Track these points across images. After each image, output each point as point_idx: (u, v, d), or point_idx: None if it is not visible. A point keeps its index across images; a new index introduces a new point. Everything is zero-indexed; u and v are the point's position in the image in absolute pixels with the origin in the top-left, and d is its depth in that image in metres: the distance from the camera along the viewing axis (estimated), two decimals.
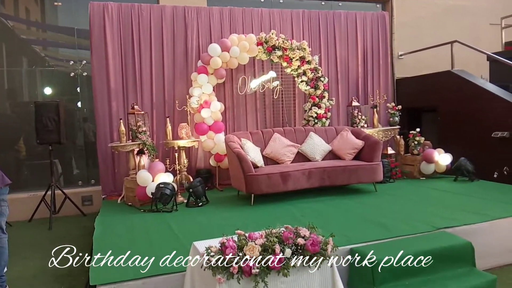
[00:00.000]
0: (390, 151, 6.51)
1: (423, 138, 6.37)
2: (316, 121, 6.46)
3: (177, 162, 5.39)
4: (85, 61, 6.64)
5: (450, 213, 4.13)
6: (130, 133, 5.58)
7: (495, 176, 6.06)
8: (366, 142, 5.59)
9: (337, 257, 2.45)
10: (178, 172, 5.44)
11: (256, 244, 2.23)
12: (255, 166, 5.12)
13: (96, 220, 4.49)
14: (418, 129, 6.47)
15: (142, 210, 4.89)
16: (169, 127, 5.69)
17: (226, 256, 2.17)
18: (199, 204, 5.00)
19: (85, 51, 6.50)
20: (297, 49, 6.24)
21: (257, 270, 2.16)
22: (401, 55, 8.73)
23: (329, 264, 2.38)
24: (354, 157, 5.61)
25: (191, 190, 5.01)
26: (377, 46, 7.46)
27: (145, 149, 5.39)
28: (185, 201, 5.10)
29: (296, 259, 2.27)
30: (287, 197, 5.14)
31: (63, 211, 6.04)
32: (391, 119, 6.81)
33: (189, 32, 6.26)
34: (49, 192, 5.88)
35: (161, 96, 6.18)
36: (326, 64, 7.07)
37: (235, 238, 2.35)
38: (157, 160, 5.43)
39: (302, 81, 6.46)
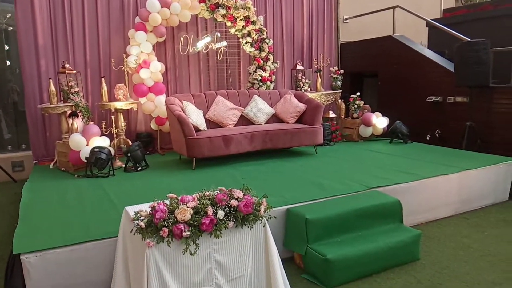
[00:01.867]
0: (332, 114, 6.63)
1: (362, 102, 6.54)
2: (260, 84, 6.39)
3: (113, 125, 5.13)
4: (10, 14, 6.03)
5: (383, 173, 4.31)
6: (62, 94, 5.21)
7: (427, 138, 6.41)
8: (308, 105, 5.63)
9: (270, 217, 2.46)
10: (115, 135, 5.20)
11: (188, 207, 2.18)
12: (197, 130, 5.01)
13: (25, 186, 4.21)
14: (358, 93, 6.61)
15: (76, 176, 4.65)
16: (105, 88, 5.37)
17: (156, 220, 2.10)
18: (138, 169, 4.83)
19: (10, 4, 5.87)
20: (242, 8, 6.03)
21: (188, 233, 2.12)
22: (346, 19, 8.79)
23: (261, 224, 2.38)
24: (297, 120, 5.65)
25: (129, 154, 4.81)
26: (322, 9, 7.42)
27: (78, 111, 5.07)
28: (124, 165, 4.91)
29: (228, 220, 2.24)
30: (229, 160, 5.10)
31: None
32: (334, 83, 6.90)
33: None
34: None
35: (96, 54, 5.78)
36: (271, 26, 6.94)
37: (168, 202, 2.28)
38: (92, 123, 5.15)
39: (246, 43, 6.31)
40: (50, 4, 5.47)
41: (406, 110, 6.75)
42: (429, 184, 4.12)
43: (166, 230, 2.08)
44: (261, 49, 6.34)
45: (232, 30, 6.24)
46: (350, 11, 8.81)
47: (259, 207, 2.34)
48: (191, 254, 2.12)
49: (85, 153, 4.63)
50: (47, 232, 2.92)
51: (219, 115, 5.33)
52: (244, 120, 5.54)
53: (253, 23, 6.19)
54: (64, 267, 2.65)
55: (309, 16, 7.29)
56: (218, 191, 2.40)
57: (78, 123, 5.07)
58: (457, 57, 5.54)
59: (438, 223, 4.12)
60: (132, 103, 5.47)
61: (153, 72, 5.65)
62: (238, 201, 2.30)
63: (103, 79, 5.41)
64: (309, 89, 6.60)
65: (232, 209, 2.27)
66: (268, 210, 2.46)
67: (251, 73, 6.47)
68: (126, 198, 3.69)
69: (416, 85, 6.74)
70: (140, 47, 5.62)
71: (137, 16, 5.70)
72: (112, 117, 5.16)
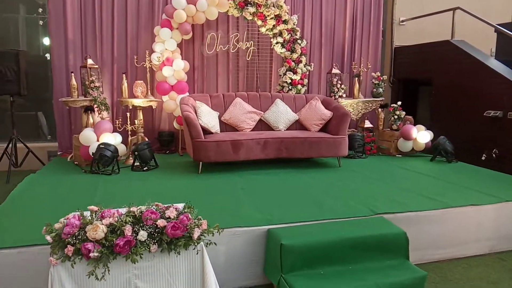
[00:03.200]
0: (368, 124, 6.01)
1: (404, 113, 5.84)
2: (290, 87, 5.97)
3: (128, 122, 5.04)
4: (41, 9, 6.25)
5: (404, 197, 3.71)
6: (83, 88, 5.24)
7: (483, 158, 5.56)
8: (334, 113, 5.11)
9: (209, 243, 2.10)
10: (130, 133, 5.11)
11: (102, 223, 1.89)
12: (209, 132, 4.75)
13: (27, 177, 4.24)
14: (399, 103, 5.92)
15: (83, 171, 4.62)
16: (125, 84, 5.32)
17: (64, 235, 1.84)
18: (144, 169, 4.68)
19: None
20: (273, 6, 5.66)
21: (96, 254, 1.83)
22: (402, 21, 8.03)
23: (195, 251, 2.03)
24: (321, 128, 5.16)
25: (136, 153, 4.68)
26: (369, 9, 6.79)
27: (95, 106, 5.05)
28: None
29: (152, 242, 1.92)
30: (240, 167, 4.77)
31: (29, 165, 5.82)
32: (375, 90, 6.27)
33: None
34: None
35: (123, 49, 5.76)
36: (308, 26, 6.48)
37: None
38: (108, 118, 5.11)
39: (277, 43, 5.92)
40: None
41: (460, 124, 5.94)
42: (455, 215, 3.46)
43: (71, 248, 1.81)
44: (292, 50, 5.91)
45: (263, 29, 5.89)
46: (408, 12, 8.03)
47: (193, 230, 1.98)
48: (97, 279, 1.83)
49: (93, 148, 4.58)
50: (8, 230, 2.81)
51: (236, 118, 5.01)
52: (264, 125, 5.17)
53: (285, 22, 5.79)
54: (8, 270, 2.51)
55: (352, 17, 6.70)
56: (154, 207, 2.08)
57: (95, 118, 5.06)
58: None
59: (465, 262, 3.44)
60: (151, 101, 5.36)
61: (175, 70, 5.50)
62: (167, 222, 1.96)
63: (124, 75, 5.36)
64: (344, 95, 6.04)
65: (157, 230, 1.94)
66: (208, 234, 2.10)
67: (281, 75, 6.07)
68: (110, 199, 3.51)
69: (473, 96, 5.89)
70: (165, 45, 5.50)
71: (164, 13, 5.59)
72: (128, 114, 5.08)
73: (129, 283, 1.95)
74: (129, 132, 5.10)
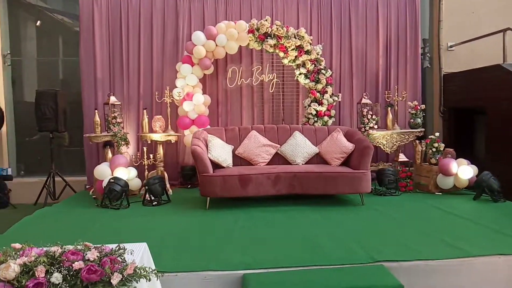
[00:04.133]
0: (402, 158, 5.46)
1: (443, 145, 5.22)
2: (316, 119, 5.67)
3: (145, 157, 5.05)
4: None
5: (420, 241, 3.20)
6: (106, 124, 5.40)
7: None
8: (356, 146, 4.70)
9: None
10: (146, 167, 5.11)
11: (15, 263, 1.76)
12: (220, 166, 4.59)
13: (37, 211, 4.35)
14: (437, 134, 5.34)
15: (96, 205, 4.65)
16: (146, 120, 5.40)
17: None
18: (154, 203, 4.60)
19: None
20: (294, 37, 5.50)
21: None
22: (451, 47, 7.43)
23: None
24: (343, 163, 4.76)
25: (146, 187, 4.64)
26: (404, 34, 6.35)
27: (114, 141, 5.15)
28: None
29: (66, 286, 1.74)
30: (252, 203, 4.51)
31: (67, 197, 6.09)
32: (412, 120, 5.73)
33: (180, 20, 5.89)
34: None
35: (149, 86, 5.91)
36: (338, 55, 6.20)
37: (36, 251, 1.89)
38: (126, 153, 5.17)
39: (300, 74, 5.70)
40: (109, 39, 5.85)
41: None
42: (478, 265, 2.87)
43: None
44: (317, 81, 5.65)
45: (285, 61, 5.72)
46: (456, 36, 7.42)
47: (112, 275, 1.77)
48: None
49: (105, 183, 4.61)
50: None
51: (250, 151, 4.81)
52: (281, 159, 4.90)
53: (307, 52, 5.57)
54: None
55: (386, 43, 6.31)
56: (80, 246, 1.92)
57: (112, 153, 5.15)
58: None
59: None
60: (169, 135, 5.36)
61: (196, 104, 5.49)
62: (85, 264, 1.78)
63: (145, 111, 5.45)
64: (375, 127, 5.59)
65: (72, 273, 1.76)
66: (139, 278, 1.87)
67: (306, 106, 5.80)
68: (101, 235, 3.43)
69: None
70: (186, 80, 5.53)
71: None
72: (144, 148, 5.10)
73: None
74: (146, 167, 5.10)
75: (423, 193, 5.17)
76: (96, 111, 5.35)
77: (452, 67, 7.26)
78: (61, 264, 1.80)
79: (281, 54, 5.68)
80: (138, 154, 5.16)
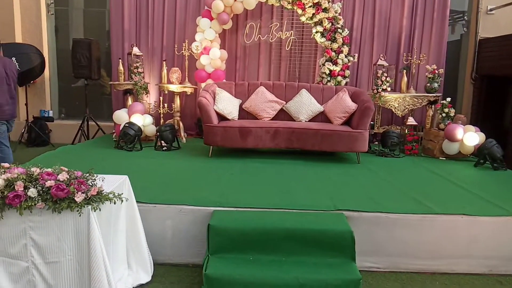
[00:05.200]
0: (411, 121, 5.43)
1: (453, 110, 5.14)
2: (329, 78, 5.73)
3: (161, 106, 5.44)
4: None
5: (389, 197, 3.35)
6: (129, 73, 5.81)
7: None
8: (359, 106, 4.77)
9: (96, 208, 2.23)
10: (161, 115, 5.51)
11: (0, 177, 2.18)
12: (226, 119, 4.87)
13: (59, 148, 4.91)
14: (448, 99, 5.23)
15: (114, 146, 5.14)
16: (165, 71, 5.73)
17: None
18: (163, 149, 5.01)
19: None
20: None
21: None
22: (490, 10, 7.03)
23: (78, 214, 2.19)
24: (344, 122, 4.88)
25: (158, 133, 5.04)
26: None
27: (135, 89, 5.56)
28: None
29: (39, 200, 2.15)
30: (253, 155, 4.79)
31: None
32: (429, 84, 5.64)
33: None
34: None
35: (172, 39, 6.21)
36: (360, 15, 6.12)
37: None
38: (145, 101, 5.57)
39: (317, 32, 5.72)
40: None
41: None
42: (439, 223, 3.01)
43: None
44: (333, 40, 5.65)
45: (303, 18, 5.75)
46: None
47: (75, 194, 2.15)
48: None
49: (122, 127, 5.07)
50: None
51: (256, 106, 5.03)
52: (286, 116, 5.08)
53: (325, 10, 5.56)
54: None
55: (412, 3, 6.09)
56: (56, 170, 2.31)
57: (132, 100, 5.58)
58: None
59: (448, 279, 2.99)
60: (185, 87, 5.68)
61: (212, 59, 5.72)
62: (56, 183, 2.17)
63: (164, 62, 5.77)
64: (389, 89, 5.57)
65: (44, 189, 2.17)
66: (103, 200, 2.25)
67: (320, 65, 5.86)
68: (102, 171, 3.87)
69: None
70: (204, 34, 5.75)
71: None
72: (160, 98, 5.48)
73: (25, 232, 2.21)
74: (161, 115, 5.49)
75: (427, 157, 5.19)
76: (120, 60, 5.74)
77: (490, 32, 6.90)
78: (37, 181, 2.20)
79: (299, 11, 5.71)
80: (155, 102, 5.54)
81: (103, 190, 2.31)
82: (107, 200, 2.30)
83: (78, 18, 7.53)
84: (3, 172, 2.25)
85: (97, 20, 7.30)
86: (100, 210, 2.25)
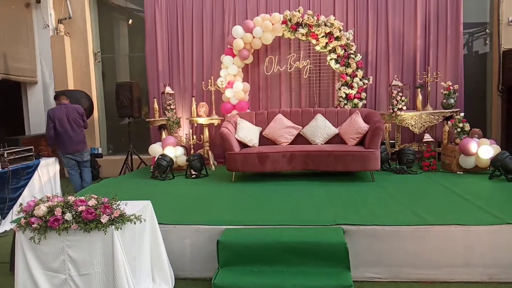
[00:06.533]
0: (427, 138, 5.56)
1: (468, 125, 5.24)
2: (346, 102, 6.04)
3: (191, 138, 6.00)
4: None
5: (390, 212, 3.57)
6: (163, 110, 6.46)
7: None
8: (370, 126, 5.03)
9: (119, 228, 2.70)
10: (192, 146, 6.06)
11: (43, 205, 2.73)
12: (246, 146, 5.31)
13: (103, 180, 5.57)
14: (462, 114, 5.34)
15: (150, 177, 5.73)
16: (194, 106, 6.32)
17: (23, 211, 2.75)
18: (192, 176, 5.52)
19: None
20: (324, 25, 5.90)
21: (37, 225, 2.67)
22: None
23: (104, 233, 2.68)
24: (359, 142, 5.14)
25: (187, 163, 5.57)
26: (445, 12, 6.28)
27: (167, 124, 6.18)
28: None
29: (73, 222, 2.67)
30: (272, 177, 5.17)
31: None
32: (445, 101, 5.78)
33: (226, 16, 6.65)
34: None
35: (200, 76, 6.82)
36: (374, 37, 6.42)
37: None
38: (177, 134, 6.17)
39: (331, 59, 6.10)
40: (168, 37, 6.86)
41: None
42: (433, 233, 3.20)
43: (24, 220, 2.70)
44: (347, 65, 5.99)
45: (317, 48, 6.15)
46: None
47: (101, 216, 2.66)
48: (34, 242, 2.67)
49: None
50: None
51: (274, 132, 5.44)
52: (303, 140, 5.43)
53: (337, 39, 5.93)
54: None
55: (425, 23, 6.31)
56: (93, 199, 2.83)
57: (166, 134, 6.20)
58: None
59: (449, 286, 3.15)
60: (212, 119, 6.22)
61: (236, 91, 6.25)
62: (86, 208, 2.69)
63: (193, 98, 6.37)
64: (404, 108, 5.77)
65: (77, 213, 2.69)
66: (124, 221, 2.73)
67: (337, 90, 6.18)
68: (135, 197, 4.42)
69: None
70: (228, 70, 6.31)
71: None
72: (190, 130, 6.05)
73: (63, 250, 2.73)
74: (192, 146, 6.05)
75: (444, 172, 5.29)
76: (155, 99, 6.42)
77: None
78: (72, 207, 2.73)
79: (313, 41, 6.12)
80: (186, 135, 6.12)
81: (125, 213, 2.80)
82: (128, 221, 2.78)
83: (124, 63, 8.43)
84: (46, 201, 2.82)
85: (140, 64, 8.14)
86: (121, 229, 2.73)
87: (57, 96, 5.78)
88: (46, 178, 5.35)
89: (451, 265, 3.19)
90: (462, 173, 5.16)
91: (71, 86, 7.81)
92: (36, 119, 7.78)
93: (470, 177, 4.90)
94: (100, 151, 8.13)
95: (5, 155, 4.64)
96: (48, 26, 7.52)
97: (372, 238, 3.25)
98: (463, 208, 3.61)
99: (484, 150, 4.88)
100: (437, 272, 3.21)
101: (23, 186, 4.92)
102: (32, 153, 5.14)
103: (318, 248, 3.02)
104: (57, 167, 5.63)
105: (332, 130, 5.34)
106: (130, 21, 8.19)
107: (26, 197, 4.80)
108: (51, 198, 2.84)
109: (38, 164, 5.14)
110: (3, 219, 4.67)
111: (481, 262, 3.17)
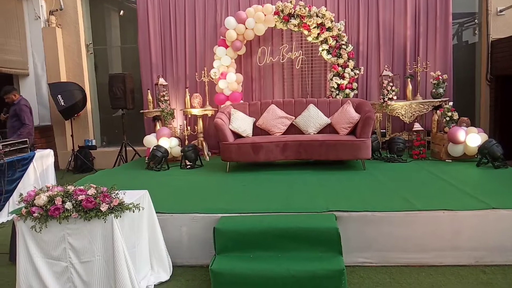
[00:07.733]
0: (417, 127, 5.68)
1: (456, 114, 5.36)
2: (337, 92, 6.13)
3: (185, 129, 6.06)
4: None
5: (380, 198, 3.69)
6: (157, 101, 6.50)
7: None
8: (361, 116, 5.14)
9: (118, 216, 2.78)
10: (186, 137, 6.12)
11: (44, 195, 2.80)
12: (240, 136, 5.39)
13: (98, 171, 5.62)
14: (451, 103, 5.46)
15: (145, 168, 5.79)
16: (188, 97, 6.37)
17: (24, 201, 2.81)
18: (187, 167, 5.60)
19: None
20: (316, 16, 5.96)
21: (38, 214, 2.74)
22: (500, 11, 7.20)
23: (104, 221, 2.75)
24: (350, 131, 5.24)
25: (182, 154, 5.64)
26: (434, 3, 6.37)
27: (162, 116, 6.23)
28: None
29: (73, 211, 2.74)
30: (265, 167, 5.27)
31: None
32: (434, 90, 5.89)
33: (219, 7, 6.68)
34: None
35: (193, 67, 6.86)
36: (365, 29, 6.50)
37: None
38: (171, 125, 6.22)
39: (323, 50, 6.17)
40: (161, 28, 6.89)
41: None
42: (422, 219, 3.32)
43: (25, 210, 2.77)
44: (338, 56, 6.07)
45: (309, 39, 6.22)
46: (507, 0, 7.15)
47: (101, 205, 2.73)
48: (36, 231, 2.74)
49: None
50: None
51: (267, 123, 5.52)
52: (296, 130, 5.53)
53: (329, 29, 6.00)
54: None
55: (415, 14, 6.40)
56: (93, 188, 2.90)
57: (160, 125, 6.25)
58: None
59: (434, 270, 3.27)
60: (206, 110, 6.28)
61: (229, 82, 6.30)
62: (86, 197, 2.76)
63: (187, 89, 6.42)
64: (395, 98, 5.88)
65: (77, 202, 2.76)
66: (123, 209, 2.80)
67: (329, 81, 6.27)
68: (131, 187, 4.50)
69: None
70: (221, 61, 6.36)
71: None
72: (184, 121, 6.10)
73: (63, 238, 2.80)
74: (186, 137, 6.11)
75: (434, 161, 5.42)
76: (149, 90, 6.46)
77: (501, 33, 7.05)
78: (72, 196, 2.80)
79: (305, 32, 6.19)
80: (181, 126, 6.18)
81: (124, 202, 2.87)
82: (127, 209, 2.86)
83: (116, 54, 8.41)
84: (46, 191, 2.88)
85: (133, 56, 8.14)
86: (120, 217, 2.81)
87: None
88: (41, 170, 5.39)
89: (439, 249, 3.32)
90: (450, 161, 5.29)
91: (63, 78, 7.80)
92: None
93: (458, 165, 5.04)
94: (93, 143, 8.15)
95: (1, 147, 4.67)
96: (39, 17, 7.48)
97: (363, 223, 3.36)
98: (451, 194, 3.74)
99: (472, 138, 5.02)
100: (426, 256, 3.33)
101: (18, 178, 4.96)
102: (27, 145, 5.16)
103: (311, 234, 3.12)
104: (52, 159, 5.66)
105: (324, 120, 5.44)
106: (122, 12, 8.16)
107: (20, 189, 4.83)
108: (51, 188, 2.90)
109: (33, 156, 5.17)
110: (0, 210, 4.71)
111: (468, 246, 3.30)
